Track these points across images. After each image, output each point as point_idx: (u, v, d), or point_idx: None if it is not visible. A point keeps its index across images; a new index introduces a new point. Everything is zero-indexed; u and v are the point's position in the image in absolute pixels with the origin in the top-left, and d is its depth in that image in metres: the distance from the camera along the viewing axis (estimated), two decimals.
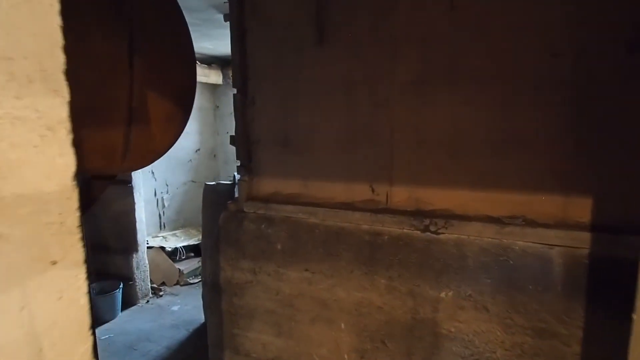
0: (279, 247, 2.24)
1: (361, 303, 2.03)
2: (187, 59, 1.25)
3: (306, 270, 2.16)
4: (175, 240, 5.26)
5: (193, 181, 6.03)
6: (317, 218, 2.15)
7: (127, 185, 4.23)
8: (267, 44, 2.22)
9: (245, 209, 2.37)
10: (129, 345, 3.58)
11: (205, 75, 5.52)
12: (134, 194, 4.26)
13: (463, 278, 1.80)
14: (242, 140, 2.38)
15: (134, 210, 4.27)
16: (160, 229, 5.60)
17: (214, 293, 2.50)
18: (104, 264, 4.53)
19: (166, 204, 5.65)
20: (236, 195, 2.47)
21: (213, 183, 3.74)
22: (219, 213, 2.54)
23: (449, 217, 1.86)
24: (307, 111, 2.17)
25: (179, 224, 5.83)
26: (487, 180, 1.79)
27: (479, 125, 1.78)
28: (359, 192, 2.08)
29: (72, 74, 1.01)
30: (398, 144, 1.95)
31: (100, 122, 1.02)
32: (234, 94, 2.39)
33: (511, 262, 1.73)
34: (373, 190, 2.04)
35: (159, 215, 5.58)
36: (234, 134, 2.45)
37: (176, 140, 1.26)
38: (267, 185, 2.36)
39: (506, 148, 1.74)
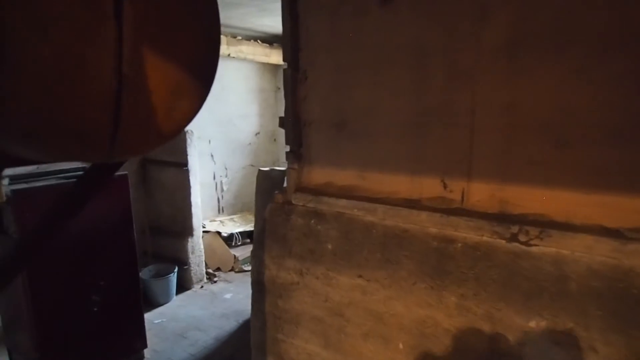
0: (329, 247, 1.93)
1: (424, 322, 1.67)
2: (204, 14, 0.95)
3: (360, 276, 1.83)
4: (232, 226, 5.16)
5: (252, 165, 5.90)
6: (375, 216, 1.81)
7: (182, 168, 4.14)
8: (322, 6, 1.88)
9: (293, 201, 2.08)
10: (179, 333, 3.50)
11: (266, 55, 5.30)
12: (190, 178, 4.16)
13: (562, 306, 1.37)
14: (292, 122, 2.08)
15: (189, 193, 4.18)
16: (219, 212, 5.54)
17: (258, 292, 2.25)
18: (160, 246, 4.53)
19: (225, 188, 5.57)
20: (285, 184, 2.19)
21: (267, 169, 3.50)
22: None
23: (546, 224, 1.43)
24: (367, 87, 1.81)
25: (237, 208, 5.74)
26: (604, 179, 1.34)
27: (597, 104, 1.32)
28: (428, 187, 1.70)
29: (31, 25, 0.77)
30: (481, 128, 1.54)
31: (76, 91, 0.75)
32: (283, 69, 2.09)
33: (634, 291, 1.28)
34: (445, 186, 1.65)
35: (218, 199, 5.51)
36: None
37: (189, 120, 0.97)
38: (319, 175, 2.04)
39: (636, 136, 1.27)
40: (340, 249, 1.89)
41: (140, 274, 4.01)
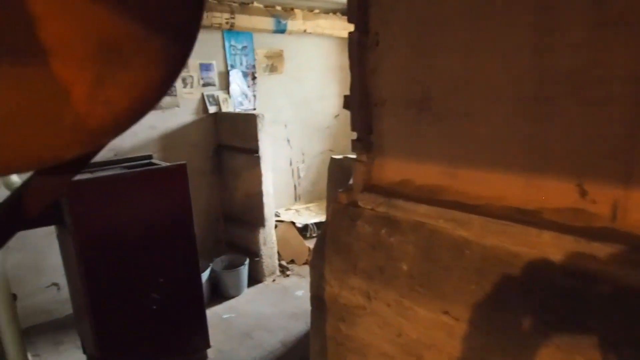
0: (404, 267, 1.45)
1: None
2: None
3: (445, 313, 1.33)
4: (307, 215, 4.86)
5: (331, 150, 5.52)
6: (470, 231, 1.29)
7: (253, 155, 3.88)
8: None
9: (360, 203, 1.64)
10: (246, 332, 3.28)
11: (346, 29, 4.81)
12: (261, 165, 3.89)
13: None
14: (359, 102, 1.62)
15: (260, 182, 3.92)
16: (295, 200, 5.27)
17: (317, 310, 1.86)
18: (234, 235, 4.37)
19: (301, 175, 5.27)
20: (350, 181, 1.74)
21: (339, 157, 3.08)
22: None
23: None
24: (461, 48, 1.28)
25: (314, 196, 5.42)
26: None
27: None
28: (553, 193, 1.14)
29: None
30: None
31: None
32: (349, 33, 1.63)
33: None
34: (583, 193, 1.09)
35: (294, 186, 5.23)
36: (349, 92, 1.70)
37: (150, 103, 0.56)
38: (393, 170, 1.56)
39: None
40: (418, 271, 1.41)
41: (211, 264, 3.88)
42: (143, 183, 2.46)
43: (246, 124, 3.91)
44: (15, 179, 2.22)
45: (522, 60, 1.14)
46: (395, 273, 1.47)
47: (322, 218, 4.72)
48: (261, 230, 4.03)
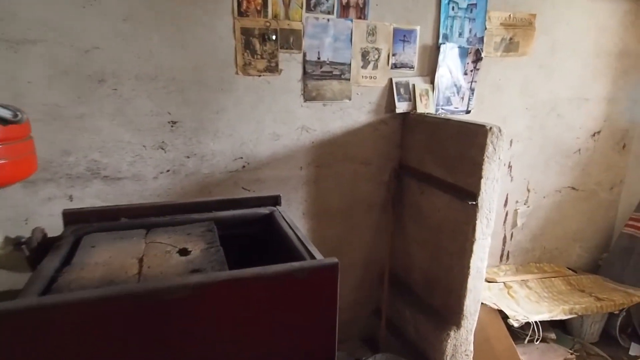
0: None
1: None
2: None
3: None
4: (524, 297, 2.88)
5: (574, 188, 3.38)
6: None
7: (466, 201, 2.10)
8: None
9: None
10: None
11: None
12: (477, 222, 2.09)
13: None
14: None
15: (469, 251, 2.14)
16: (501, 261, 3.33)
17: None
18: (401, 316, 2.70)
19: (519, 222, 3.28)
20: None
21: None
22: None
23: None
24: None
25: (532, 257, 3.40)
26: None
27: None
28: None
29: None
30: None
31: None
32: None
33: None
34: None
35: (504, 238, 3.29)
36: None
37: None
38: None
39: None
40: None
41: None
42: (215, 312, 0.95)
43: (463, 141, 2.14)
44: None
45: None
46: None
47: (552, 312, 2.71)
48: (452, 332, 2.28)
